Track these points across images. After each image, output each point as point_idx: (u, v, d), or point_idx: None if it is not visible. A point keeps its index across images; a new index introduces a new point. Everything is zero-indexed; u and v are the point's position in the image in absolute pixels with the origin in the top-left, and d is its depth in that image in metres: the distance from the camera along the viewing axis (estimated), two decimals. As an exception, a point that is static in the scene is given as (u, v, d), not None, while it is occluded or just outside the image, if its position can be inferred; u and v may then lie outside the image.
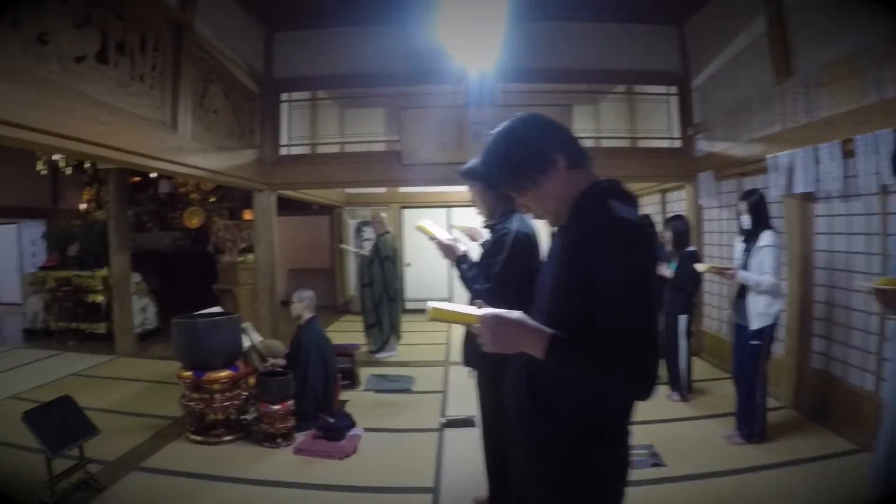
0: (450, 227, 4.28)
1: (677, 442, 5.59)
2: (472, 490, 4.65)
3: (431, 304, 2.08)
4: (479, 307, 2.14)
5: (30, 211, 15.57)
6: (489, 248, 3.70)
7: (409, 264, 13.70)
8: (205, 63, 6.81)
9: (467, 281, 3.60)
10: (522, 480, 2.30)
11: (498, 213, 3.76)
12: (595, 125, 11.56)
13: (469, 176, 3.76)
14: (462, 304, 2.20)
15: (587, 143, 8.36)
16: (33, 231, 16.18)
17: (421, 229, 3.81)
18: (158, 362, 9.45)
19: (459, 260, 3.63)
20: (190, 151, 6.39)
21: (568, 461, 2.06)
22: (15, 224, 17.17)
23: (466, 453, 5.36)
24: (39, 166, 10.49)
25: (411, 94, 9.81)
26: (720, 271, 5.62)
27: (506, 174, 2.13)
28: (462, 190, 3.84)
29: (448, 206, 13.99)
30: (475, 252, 3.81)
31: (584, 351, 1.89)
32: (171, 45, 5.94)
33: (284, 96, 9.71)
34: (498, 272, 3.51)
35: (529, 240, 3.63)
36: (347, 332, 11.28)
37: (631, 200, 2.06)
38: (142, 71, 5.41)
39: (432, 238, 3.74)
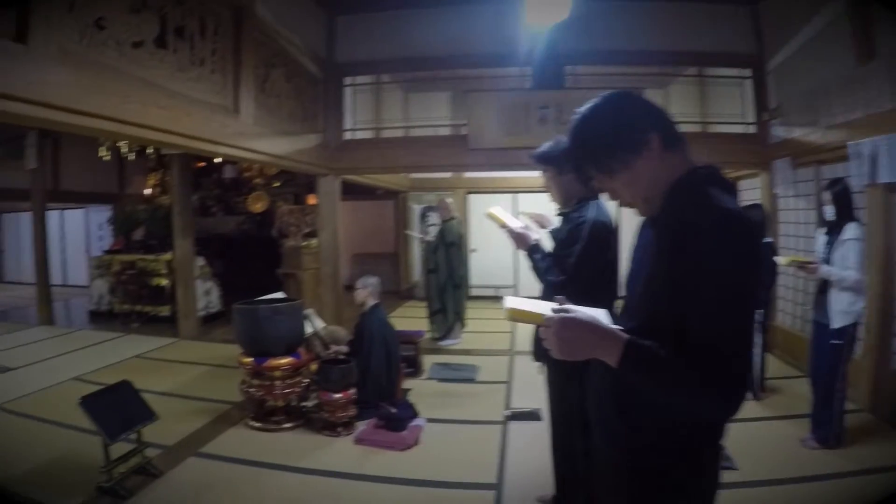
0: (518, 214, 4.14)
1: (749, 443, 5.26)
2: (537, 488, 4.45)
3: (508, 304, 1.93)
4: (561, 304, 1.95)
5: (97, 196, 15.85)
6: (564, 238, 3.53)
7: (474, 250, 13.53)
8: (267, 47, 6.74)
9: (540, 272, 3.46)
10: (601, 491, 2.14)
11: (573, 200, 3.58)
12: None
13: (543, 160, 3.59)
14: (541, 302, 2.02)
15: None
16: (100, 215, 16.58)
17: (491, 217, 3.68)
18: (221, 346, 9.49)
19: (532, 249, 3.50)
20: (252, 136, 6.33)
21: (655, 480, 1.87)
22: (83, 209, 17.53)
23: (531, 449, 5.18)
24: (102, 152, 10.58)
25: (477, 78, 9.67)
26: (802, 265, 5.24)
27: (594, 154, 1.93)
28: (529, 176, 3.67)
29: (514, 191, 13.75)
30: (545, 241, 3.66)
31: (666, 362, 1.66)
32: (232, 29, 5.86)
33: (348, 80, 9.59)
34: (573, 263, 3.36)
35: (607, 229, 3.45)
36: (411, 319, 11.23)
37: (731, 190, 1.82)
38: (202, 55, 5.34)
39: (503, 226, 3.61)
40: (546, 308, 1.89)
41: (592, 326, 1.75)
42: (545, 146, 3.57)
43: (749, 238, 1.68)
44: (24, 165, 11.73)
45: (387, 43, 9.08)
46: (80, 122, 3.93)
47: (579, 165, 2.01)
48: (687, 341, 1.64)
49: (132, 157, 11.67)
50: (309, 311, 6.63)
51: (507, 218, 3.63)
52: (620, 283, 3.13)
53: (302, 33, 7.89)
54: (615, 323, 1.91)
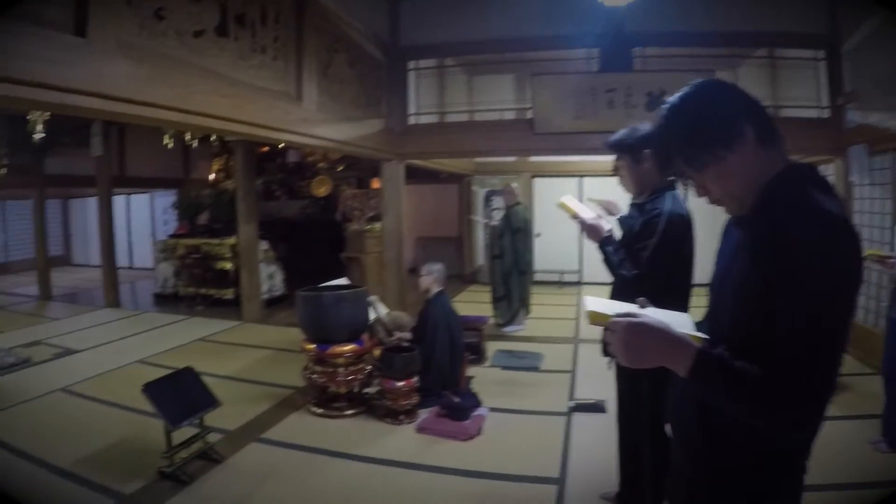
0: (587, 200, 4.02)
1: (815, 444, 5.06)
2: (601, 485, 4.35)
3: (590, 306, 1.84)
4: (643, 305, 1.89)
5: (162, 181, 16.17)
6: (638, 230, 3.39)
7: (539, 235, 13.32)
8: (329, 33, 6.70)
9: (612, 266, 3.37)
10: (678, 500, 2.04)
11: (648, 190, 3.45)
12: None
13: (618, 148, 3.48)
14: (620, 304, 1.93)
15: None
16: (165, 200, 16.86)
17: (563, 207, 3.59)
18: (284, 329, 9.58)
19: (604, 241, 3.40)
20: (315, 122, 6.30)
21: (737, 496, 1.78)
22: (148, 193, 17.85)
23: (595, 442, 5.08)
24: (166, 140, 10.69)
25: (542, 60, 9.52)
26: (881, 259, 4.99)
27: (683, 146, 1.77)
28: (596, 160, 3.55)
29: (581, 175, 13.61)
30: (615, 228, 3.56)
31: (742, 375, 1.54)
32: (294, 15, 5.83)
33: (411, 64, 9.53)
34: (647, 258, 3.25)
35: (684, 222, 3.32)
36: (475, 304, 11.20)
37: (832, 191, 1.67)
38: (263, 43, 5.31)
39: (574, 216, 3.52)
40: (627, 310, 1.81)
41: (662, 333, 1.64)
42: (620, 133, 3.45)
43: (855, 249, 1.55)
44: (91, 153, 11.92)
45: (450, 25, 8.98)
46: (144, 113, 3.94)
47: (667, 158, 1.85)
48: (772, 355, 1.52)
49: (195, 144, 11.78)
50: (373, 298, 6.60)
51: (578, 208, 3.54)
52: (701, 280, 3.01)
53: (365, 17, 7.83)
54: (699, 329, 1.83)
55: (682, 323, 1.83)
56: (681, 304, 3.35)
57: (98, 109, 3.59)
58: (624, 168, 3.50)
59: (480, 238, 14.28)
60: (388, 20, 8.97)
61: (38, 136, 8.19)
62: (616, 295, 3.56)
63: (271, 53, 5.46)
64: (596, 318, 1.80)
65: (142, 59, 3.78)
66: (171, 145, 10.97)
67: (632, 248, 3.36)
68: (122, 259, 17.02)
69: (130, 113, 3.81)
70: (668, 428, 2.03)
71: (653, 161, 3.25)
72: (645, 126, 3.30)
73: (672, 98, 1.82)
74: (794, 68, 9.38)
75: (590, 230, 3.44)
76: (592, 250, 3.52)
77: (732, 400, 1.58)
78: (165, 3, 4.03)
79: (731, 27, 8.30)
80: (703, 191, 1.81)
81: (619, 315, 1.72)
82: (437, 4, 9.01)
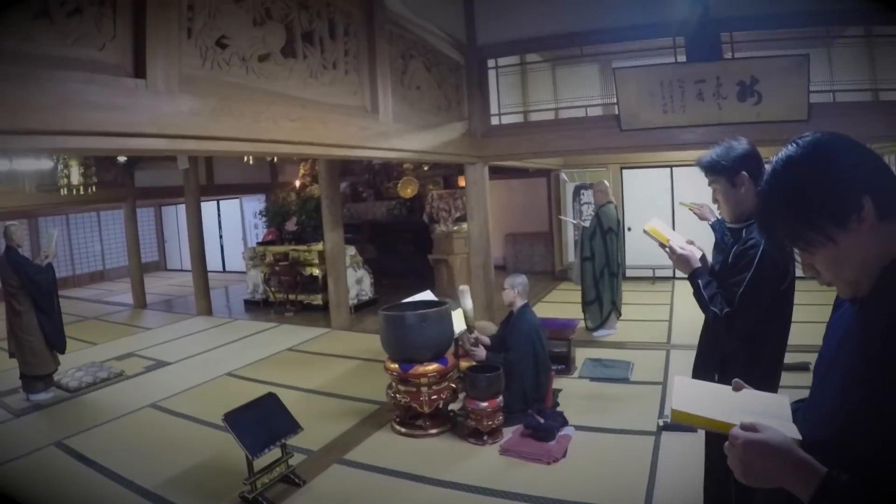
0: (678, 204, 3.76)
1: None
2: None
3: (676, 403, 1.64)
4: (737, 388, 1.70)
5: (250, 187, 16.43)
6: (732, 262, 3.08)
7: (629, 229, 12.95)
8: (402, 39, 6.58)
9: (702, 301, 3.07)
10: None
11: (746, 216, 3.07)
12: (826, 76, 10.36)
13: (712, 170, 3.11)
14: (715, 388, 1.77)
15: (819, 99, 7.56)
16: (254, 204, 17.08)
17: (650, 233, 3.30)
18: (372, 336, 9.53)
19: (696, 274, 3.11)
20: (393, 134, 6.19)
21: None
22: (238, 199, 18.17)
23: (684, 466, 4.82)
24: (246, 157, 10.79)
25: (626, 52, 9.23)
26: None
27: (787, 220, 1.49)
28: (686, 155, 3.24)
29: (671, 165, 13.19)
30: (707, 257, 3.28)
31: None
32: (364, 26, 5.71)
33: (491, 63, 9.34)
34: (741, 294, 2.94)
35: (784, 254, 2.97)
36: (564, 304, 11.06)
37: None
38: (334, 58, 5.21)
39: (663, 245, 3.23)
40: (725, 401, 1.65)
41: (785, 455, 1.38)
42: (714, 151, 3.11)
43: None
44: (178, 166, 12.14)
45: (528, 20, 8.72)
46: (211, 147, 3.92)
47: (770, 232, 1.61)
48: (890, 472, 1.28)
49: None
50: (464, 288, 6.45)
51: (668, 233, 3.26)
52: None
53: (439, 19, 7.68)
54: (797, 417, 1.61)
55: (778, 409, 1.64)
56: (777, 348, 3.12)
57: (163, 149, 3.55)
58: (719, 192, 3.15)
59: (571, 234, 14.00)
60: (463, 19, 8.81)
61: (122, 159, 8.34)
62: (706, 334, 3.36)
63: (343, 68, 5.37)
64: (680, 416, 1.61)
65: (205, 93, 3.72)
66: (250, 161, 11.08)
67: (724, 282, 3.08)
68: (214, 263, 17.43)
69: (197, 149, 3.77)
70: None
71: (751, 184, 2.95)
72: (742, 144, 3.01)
73: (776, 161, 1.55)
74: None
75: (679, 261, 3.17)
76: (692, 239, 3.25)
77: None
78: (228, 29, 3.95)
79: (822, 4, 7.84)
80: (810, 269, 1.54)
81: (744, 427, 1.46)
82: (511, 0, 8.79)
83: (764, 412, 1.54)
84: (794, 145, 1.51)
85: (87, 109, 2.95)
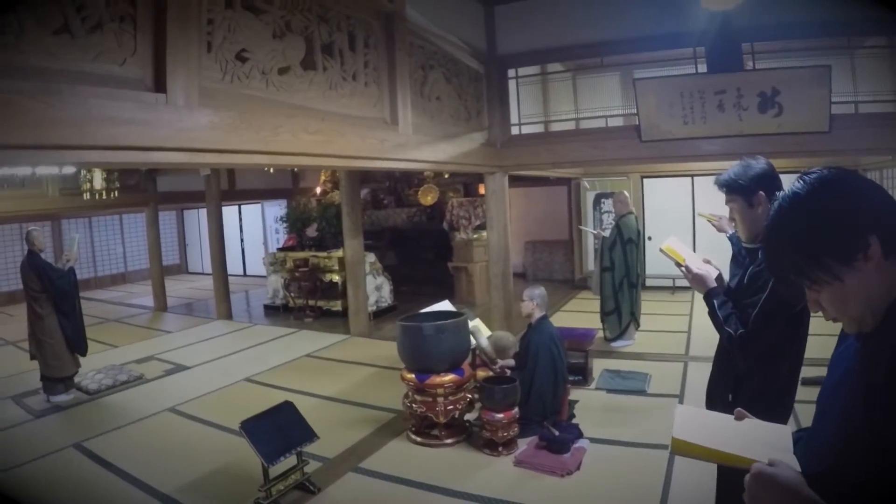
0: (697, 215, 3.73)
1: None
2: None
3: (676, 431, 1.64)
4: (739, 417, 1.70)
5: (272, 192, 16.55)
6: (748, 283, 3.08)
7: (650, 238, 12.79)
8: (422, 50, 6.62)
9: (718, 322, 3.04)
10: None
11: (762, 236, 2.89)
12: (849, 86, 10.21)
13: (729, 189, 3.09)
14: (724, 421, 1.75)
15: (841, 110, 7.50)
16: (275, 209, 17.24)
17: (667, 252, 3.29)
18: (390, 343, 9.48)
19: (711, 294, 3.09)
20: (412, 146, 6.22)
21: None
22: (259, 204, 18.29)
23: (697, 484, 4.70)
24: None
25: (647, 62, 9.22)
26: None
27: (793, 256, 1.50)
28: (707, 165, 3.18)
29: (692, 175, 13.08)
30: (718, 269, 3.24)
31: None
32: (383, 38, 5.75)
33: (511, 73, 9.36)
34: (756, 315, 2.92)
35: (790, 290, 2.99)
36: (583, 313, 11.06)
37: None
38: (354, 69, 5.25)
39: (679, 264, 3.20)
40: (726, 430, 1.66)
41: (792, 492, 1.38)
42: (732, 171, 3.08)
43: None
44: (200, 172, 12.26)
45: (548, 30, 8.72)
46: (229, 161, 3.97)
47: (776, 269, 1.64)
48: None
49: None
50: (475, 324, 6.47)
51: (685, 252, 3.24)
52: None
53: (459, 30, 7.72)
54: (798, 447, 1.61)
55: (779, 440, 1.64)
56: (792, 368, 3.11)
57: (183, 163, 3.59)
58: (736, 210, 3.12)
59: (591, 243, 13.94)
60: (483, 29, 8.83)
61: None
62: (720, 353, 3.36)
63: (362, 80, 5.41)
64: (680, 447, 1.62)
65: (225, 106, 3.76)
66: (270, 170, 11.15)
67: (740, 302, 3.07)
68: (235, 267, 17.51)
69: (216, 162, 3.81)
70: None
71: (767, 204, 2.87)
72: (759, 163, 2.98)
73: (781, 199, 1.53)
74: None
75: (695, 281, 3.15)
76: (706, 255, 3.25)
77: None
78: (248, 43, 3.99)
79: (848, 14, 7.77)
80: (816, 306, 1.54)
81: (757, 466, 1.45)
82: (533, 7, 8.79)
83: (765, 442, 1.55)
84: (801, 182, 1.50)
85: (110, 124, 3.00)
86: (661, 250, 3.35)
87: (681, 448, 1.61)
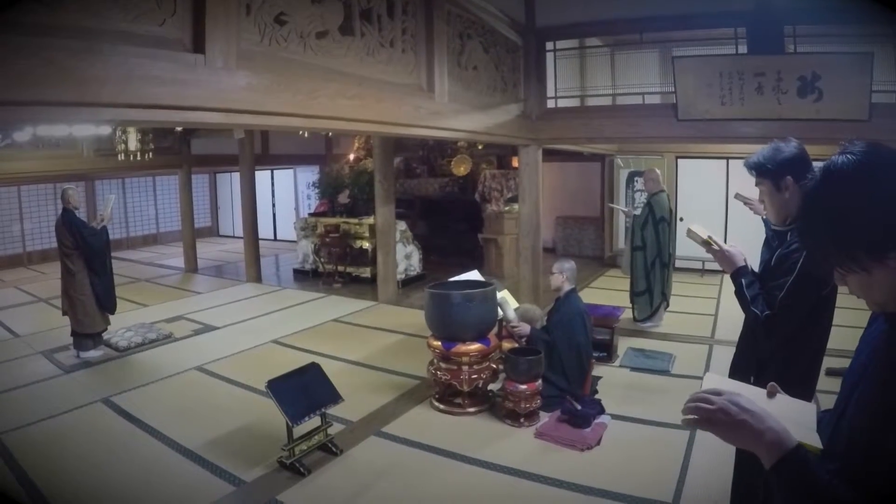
0: (734, 196, 3.71)
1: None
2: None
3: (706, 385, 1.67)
4: (771, 393, 1.71)
5: (305, 158, 16.60)
6: (774, 265, 3.08)
7: (682, 219, 12.60)
8: (460, 19, 6.56)
9: (744, 302, 3.05)
10: None
11: (791, 219, 3.03)
12: (891, 75, 9.90)
13: (758, 172, 3.06)
14: (746, 388, 1.75)
15: (882, 99, 7.38)
16: (308, 175, 17.27)
17: (692, 235, 3.26)
18: (417, 311, 9.56)
19: (739, 272, 3.09)
20: (448, 114, 6.21)
21: None
22: (292, 169, 18.34)
23: (715, 465, 4.72)
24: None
25: (687, 40, 9.12)
26: None
27: (823, 247, 1.45)
28: (743, 148, 3.15)
29: (727, 157, 12.88)
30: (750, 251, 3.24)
31: (825, 491, 1.31)
32: (422, 5, 5.71)
33: (549, 46, 9.29)
34: (783, 297, 2.92)
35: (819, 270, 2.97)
36: (611, 291, 11.07)
37: None
38: (391, 36, 5.23)
39: (709, 243, 3.17)
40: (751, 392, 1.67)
41: (754, 419, 1.40)
42: (761, 153, 3.04)
43: None
44: (234, 136, 12.31)
45: (589, 3, 8.66)
46: (267, 122, 3.98)
47: (808, 247, 1.61)
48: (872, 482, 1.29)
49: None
50: (503, 295, 6.45)
51: (710, 235, 3.21)
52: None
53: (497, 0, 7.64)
54: (822, 426, 1.61)
55: (803, 416, 1.64)
56: (816, 352, 3.11)
57: (220, 123, 3.62)
58: (764, 193, 3.10)
59: (622, 220, 13.86)
60: (522, 1, 8.74)
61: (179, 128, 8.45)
62: (745, 334, 3.37)
63: (400, 46, 5.38)
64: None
65: (263, 69, 3.77)
66: (306, 135, 11.17)
67: (766, 285, 3.07)
68: (266, 231, 17.64)
69: (253, 123, 3.84)
70: None
71: (796, 188, 2.89)
72: (790, 146, 2.95)
73: (815, 181, 1.46)
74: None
75: (723, 260, 3.15)
76: (739, 238, 3.22)
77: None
78: (286, 6, 3.99)
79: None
80: (842, 281, 1.49)
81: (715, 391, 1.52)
82: (572, -20, 8.71)
83: (788, 417, 1.54)
84: (847, 157, 1.41)
85: (150, 84, 3.03)
86: (686, 234, 3.33)
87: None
